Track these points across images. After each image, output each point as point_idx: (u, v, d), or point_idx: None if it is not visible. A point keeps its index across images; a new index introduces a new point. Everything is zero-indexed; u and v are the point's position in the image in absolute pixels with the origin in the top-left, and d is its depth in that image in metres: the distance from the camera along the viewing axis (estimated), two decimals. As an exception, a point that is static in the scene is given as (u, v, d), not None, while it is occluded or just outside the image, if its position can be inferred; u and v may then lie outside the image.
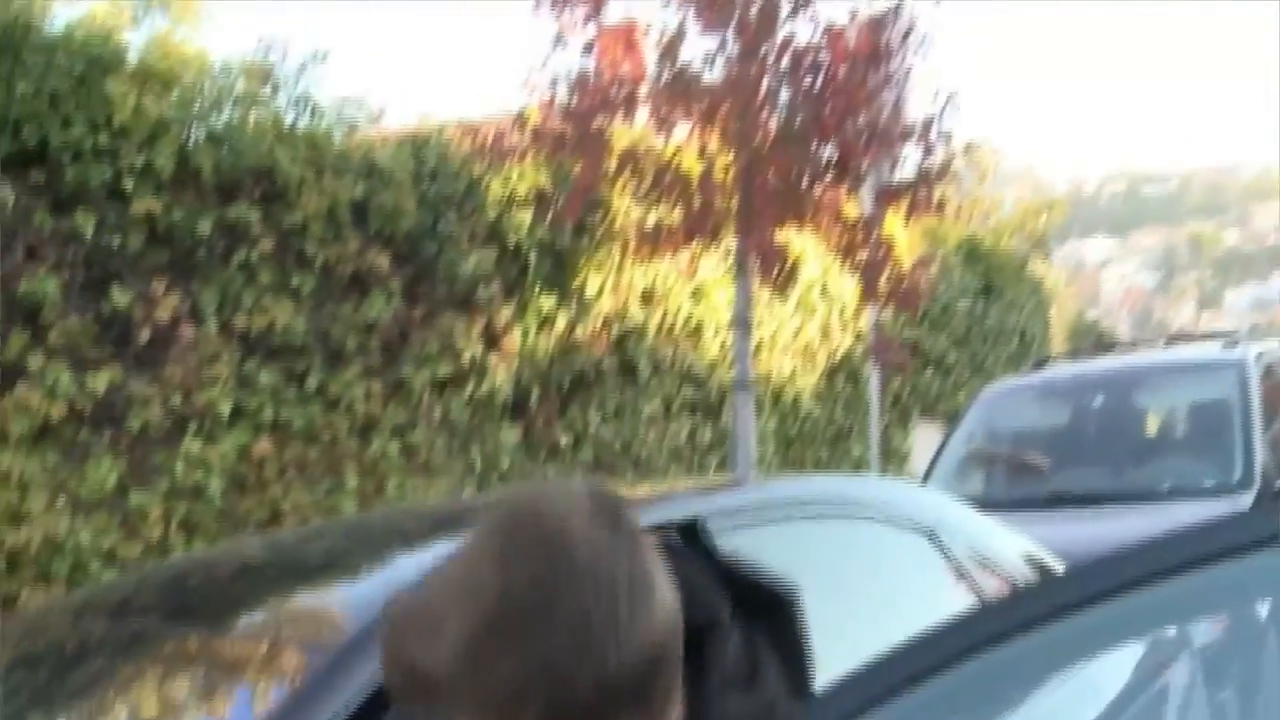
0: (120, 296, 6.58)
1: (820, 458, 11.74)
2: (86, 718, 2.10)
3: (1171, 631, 2.28)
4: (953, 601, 2.70)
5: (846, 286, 11.10)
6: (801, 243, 9.86)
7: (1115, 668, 2.32)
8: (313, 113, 7.46)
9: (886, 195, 7.87)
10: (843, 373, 12.11)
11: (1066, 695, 2.11)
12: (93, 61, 6.53)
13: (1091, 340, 17.60)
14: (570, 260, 9.02)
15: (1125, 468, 6.72)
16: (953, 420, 9.18)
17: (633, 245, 8.62)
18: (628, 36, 7.73)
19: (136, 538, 6.53)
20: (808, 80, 7.37)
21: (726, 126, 7.35)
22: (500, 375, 8.51)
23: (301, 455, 7.37)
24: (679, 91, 7.41)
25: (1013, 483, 6.99)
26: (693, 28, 7.54)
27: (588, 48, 7.75)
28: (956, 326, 14.07)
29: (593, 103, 7.49)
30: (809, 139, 7.25)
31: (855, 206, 8.34)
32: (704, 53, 7.60)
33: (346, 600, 2.26)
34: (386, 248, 7.79)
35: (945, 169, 7.73)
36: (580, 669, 1.00)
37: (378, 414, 7.79)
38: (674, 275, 9.80)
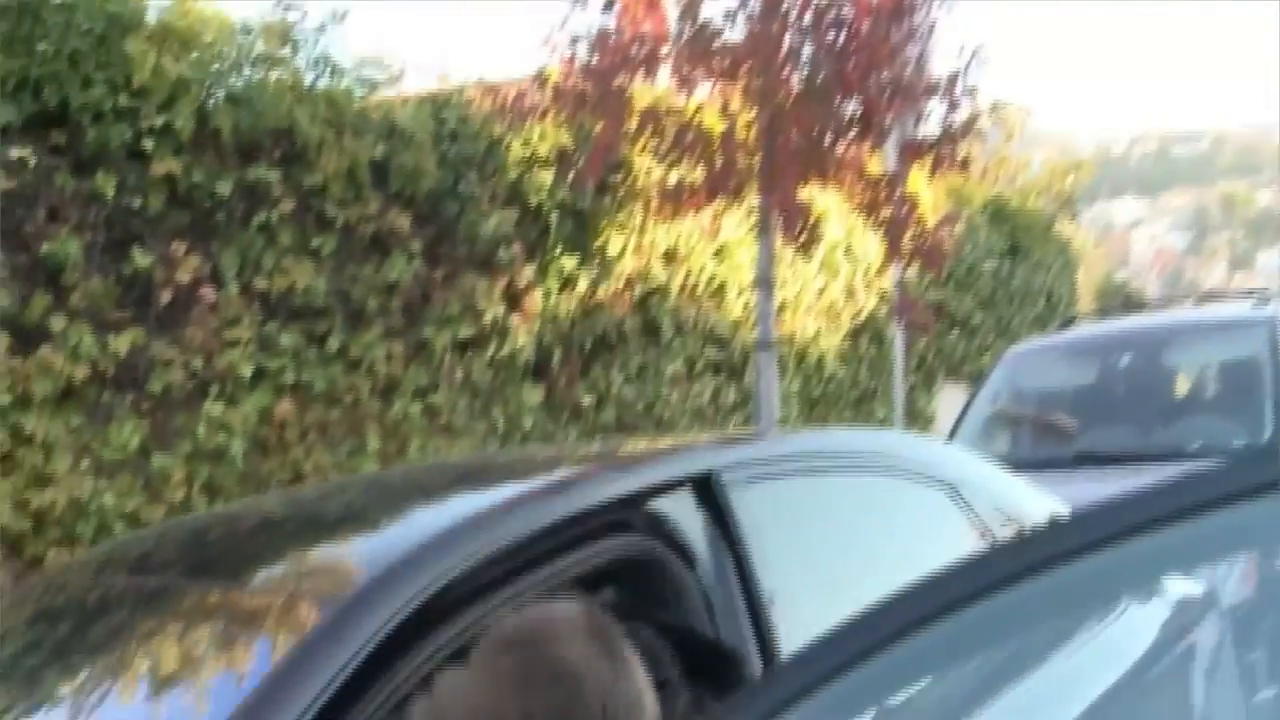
0: (141, 258, 6.58)
1: (844, 420, 11.69)
2: (102, 671, 2.09)
3: (1198, 591, 2.24)
4: (973, 556, 2.66)
5: (871, 246, 11.01)
6: (825, 202, 9.78)
7: (1139, 627, 2.28)
8: (332, 73, 7.41)
9: (910, 151, 7.77)
10: (867, 334, 12.03)
11: (1089, 655, 2.07)
12: (112, 21, 6.50)
13: (1120, 300, 17.45)
14: (592, 220, 8.96)
15: (1153, 427, 6.65)
16: (978, 381, 9.12)
17: (655, 205, 8.56)
18: (648, -6, 7.64)
19: (159, 500, 6.56)
20: (830, 35, 7.27)
21: (748, 84, 7.26)
22: (522, 336, 8.49)
23: (323, 417, 7.38)
24: (700, 49, 7.33)
25: (1039, 442, 6.93)
26: (714, -16, 7.45)
27: (608, 5, 7.66)
28: (982, 288, 13.96)
29: (613, 61, 7.42)
30: (832, 95, 7.16)
31: (879, 163, 8.25)
32: (725, 10, 7.52)
33: (363, 553, 2.25)
34: (407, 208, 7.76)
35: (970, 125, 7.62)
36: None
37: (399, 375, 7.78)
38: (697, 235, 9.74)
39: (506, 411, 8.51)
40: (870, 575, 2.49)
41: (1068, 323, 8.50)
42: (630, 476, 2.38)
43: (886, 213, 7.75)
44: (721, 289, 10.16)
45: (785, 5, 7.31)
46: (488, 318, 8.23)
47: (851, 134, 7.40)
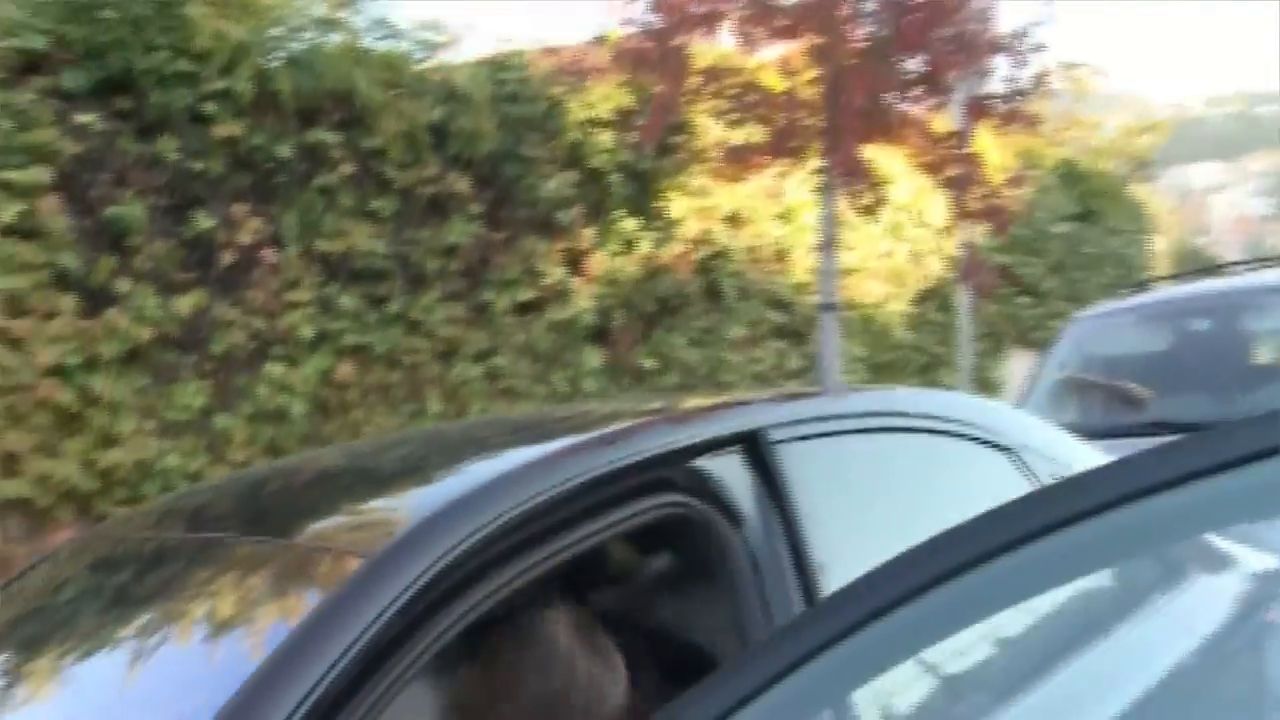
0: (203, 221, 6.63)
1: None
2: (131, 620, 2.09)
3: (1276, 564, 2.15)
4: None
5: (938, 210, 10.85)
6: (892, 165, 9.63)
7: (1212, 601, 2.19)
8: (391, 36, 7.40)
9: (975, 109, 7.61)
10: (934, 300, 11.87)
11: (1156, 628, 2.00)
12: (173, -14, 6.54)
13: (1196, 265, 17.07)
14: (654, 182, 8.90)
15: (1231, 394, 6.46)
16: (1046, 347, 8.95)
17: (717, 166, 8.47)
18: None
19: (222, 460, 6.62)
20: (893, -10, 7.13)
21: (810, 41, 7.15)
22: (583, 299, 8.46)
23: (383, 379, 7.41)
24: (761, 7, 7.22)
25: (1110, 410, 6.76)
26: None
27: (669, -37, 7.57)
28: (1052, 252, 13.70)
29: (673, 20, 7.33)
30: (894, 52, 7.02)
31: (944, 123, 8.09)
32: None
33: (396, 509, 2.23)
34: (467, 171, 7.75)
35: (1038, 82, 7.44)
36: None
37: (460, 338, 7.79)
38: (760, 197, 9.64)
39: (567, 375, 8.49)
40: (925, 535, 2.42)
41: (1140, 287, 8.30)
42: (672, 433, 2.32)
43: (951, 172, 7.61)
44: (785, 252, 10.06)
45: (848, -40, 7.18)
46: (548, 280, 8.21)
47: (915, 91, 7.26)
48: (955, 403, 3.59)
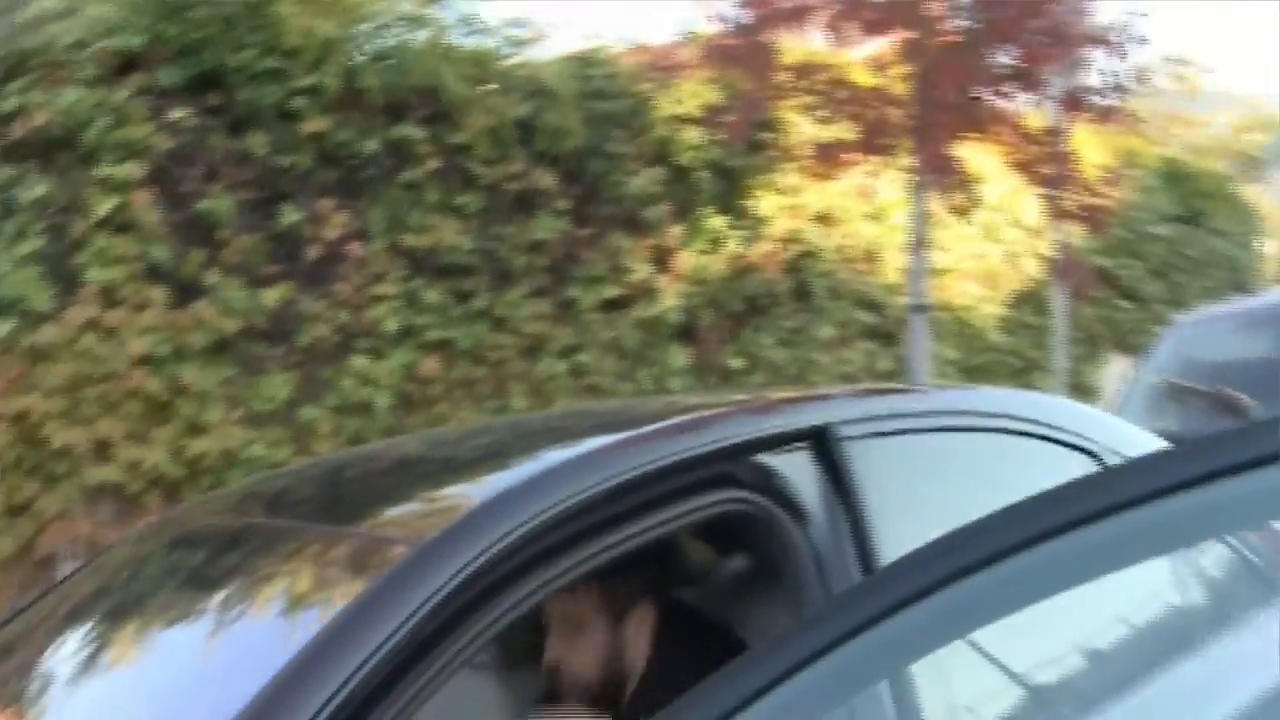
0: (291, 215, 6.71)
1: (1004, 391, 11.28)
2: (188, 606, 2.10)
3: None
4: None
5: (1033, 211, 10.62)
6: (986, 164, 9.44)
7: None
8: (478, 31, 7.42)
9: (1071, 104, 7.40)
10: (1030, 303, 11.60)
11: (1250, 647, 1.90)
12: (264, -16, 6.62)
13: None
14: (742, 180, 8.80)
15: (1343, 403, 6.22)
16: (1145, 352, 8.69)
17: (806, 163, 8.36)
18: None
19: (306, 451, 6.68)
20: (985, -18, 6.97)
21: (901, 36, 7.02)
22: (670, 297, 8.40)
23: (468, 374, 7.42)
24: (850, 1, 7.10)
25: (1211, 418, 6.54)
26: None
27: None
28: (1154, 255, 13.32)
29: (761, 15, 7.24)
30: (986, 45, 6.86)
31: (1039, 119, 7.90)
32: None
33: (470, 495, 2.20)
34: (552, 167, 7.74)
35: (1138, 77, 7.22)
36: None
37: (545, 334, 7.78)
38: (851, 196, 9.50)
39: (653, 373, 8.43)
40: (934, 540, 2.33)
41: (1246, 290, 8.03)
42: (736, 427, 2.26)
43: (1046, 170, 7.41)
44: (877, 252, 9.90)
45: (939, -48, 7.04)
46: (635, 277, 8.16)
47: (1007, 86, 7.09)
48: (1042, 405, 3.47)
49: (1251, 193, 16.23)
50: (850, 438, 2.25)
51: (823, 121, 7.87)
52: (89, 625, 2.28)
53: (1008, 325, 11.43)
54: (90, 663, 2.13)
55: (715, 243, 8.74)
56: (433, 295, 7.24)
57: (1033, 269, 11.36)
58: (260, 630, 1.88)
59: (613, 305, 8.15)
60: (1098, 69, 7.39)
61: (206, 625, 2.02)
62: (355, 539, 2.09)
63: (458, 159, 7.33)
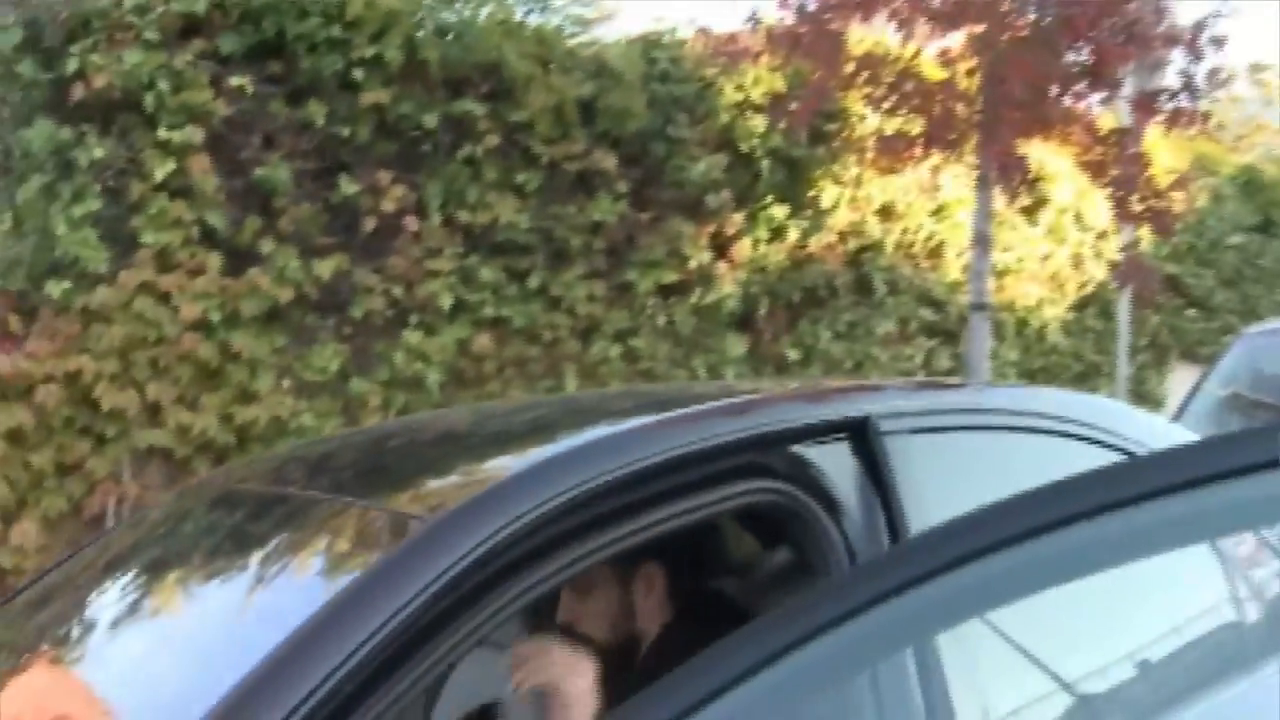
0: (348, 186, 6.70)
1: (1064, 396, 11.06)
2: (200, 573, 2.08)
3: None
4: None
5: (1102, 214, 10.41)
6: (1055, 165, 9.25)
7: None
8: (543, 9, 7.37)
9: (1144, 104, 7.20)
10: (1094, 307, 11.38)
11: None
12: (328, -47, 6.61)
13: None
14: (805, 170, 8.69)
15: None
16: (1212, 362, 8.48)
17: (870, 155, 8.23)
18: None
19: (356, 423, 6.69)
20: (1058, -24, 6.79)
21: (970, 29, 6.87)
22: (728, 285, 8.32)
23: (521, 353, 7.39)
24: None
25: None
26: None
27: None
28: (1226, 264, 13.03)
29: (830, 3, 7.11)
30: (1059, 41, 6.68)
31: (1111, 120, 7.71)
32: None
33: (498, 470, 2.15)
34: (614, 149, 7.67)
35: (1215, 79, 7.01)
36: None
37: (600, 316, 7.73)
38: (915, 191, 9.36)
39: (708, 361, 8.36)
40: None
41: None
42: (773, 415, 2.19)
43: (1115, 172, 7.23)
44: (940, 249, 9.76)
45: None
46: (693, 264, 8.09)
47: (1078, 85, 6.91)
48: (1099, 408, 3.37)
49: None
50: (893, 432, 2.18)
51: (888, 113, 7.73)
52: (112, 582, 2.32)
53: (1070, 328, 11.24)
54: (110, 615, 2.16)
55: (776, 232, 8.65)
56: (488, 272, 7.21)
57: (1099, 272, 11.15)
58: (264, 600, 1.85)
59: (669, 291, 8.08)
60: (1174, 70, 7.19)
61: (217, 589, 2.00)
62: (380, 512, 2.05)
63: (518, 136, 7.29)
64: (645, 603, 2.45)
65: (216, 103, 6.37)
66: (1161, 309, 11.42)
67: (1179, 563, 2.47)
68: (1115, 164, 7.27)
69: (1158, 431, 2.93)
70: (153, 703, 1.74)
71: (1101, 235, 10.90)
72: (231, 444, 6.43)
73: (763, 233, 8.57)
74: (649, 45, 8.03)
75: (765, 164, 8.46)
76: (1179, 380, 12.35)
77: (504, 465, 2.09)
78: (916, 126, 7.54)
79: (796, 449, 2.10)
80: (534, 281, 7.42)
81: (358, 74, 6.67)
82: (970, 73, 7.14)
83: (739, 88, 8.25)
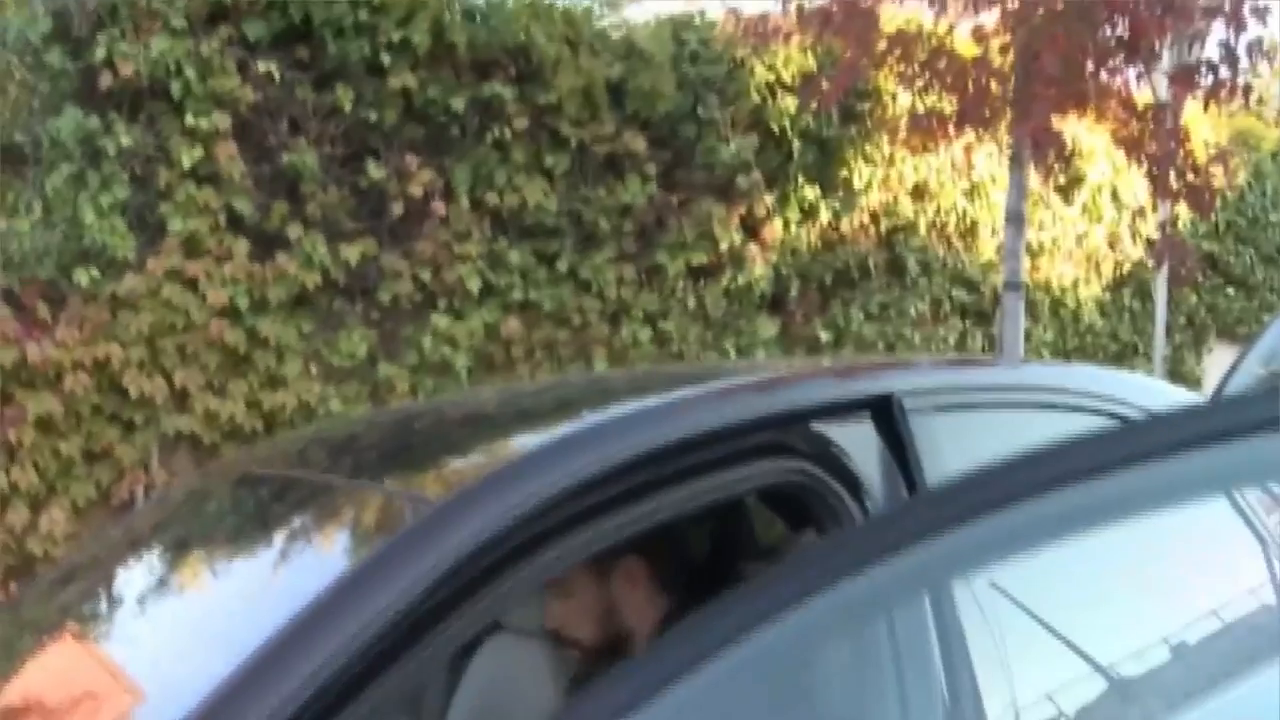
0: (375, 170, 6.69)
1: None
2: (211, 557, 2.06)
3: None
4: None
5: (1139, 192, 10.26)
6: (1091, 141, 9.12)
7: None
8: (572, -10, 7.32)
9: (1182, 78, 7.06)
10: (1131, 286, 11.24)
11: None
12: (354, -63, 6.58)
13: None
14: (837, 150, 8.60)
15: None
16: (1248, 341, 8.34)
17: (903, 135, 8.13)
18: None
19: (384, 408, 6.68)
20: (1095, -53, 6.65)
21: (1004, 4, 6.75)
22: (759, 266, 8.25)
23: (550, 337, 7.37)
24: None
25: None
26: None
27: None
28: (1268, 242, 12.84)
29: (860, -21, 7.02)
30: (1094, 14, 6.55)
31: (1147, 94, 7.56)
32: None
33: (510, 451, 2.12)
34: (643, 130, 7.62)
35: (1257, 51, 6.86)
36: None
37: (630, 299, 7.69)
38: (948, 171, 9.25)
39: (739, 343, 8.31)
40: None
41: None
42: (794, 393, 2.14)
43: (1152, 148, 7.10)
44: (973, 229, 9.65)
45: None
46: (724, 246, 8.03)
47: (1114, 59, 6.78)
48: (1132, 384, 3.30)
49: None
50: (917, 409, 2.13)
51: (921, 92, 7.63)
52: (131, 562, 2.32)
53: (1106, 308, 11.10)
54: (128, 595, 2.19)
55: (807, 213, 8.57)
56: (516, 256, 7.18)
57: (1135, 251, 11.00)
58: (272, 581, 1.82)
59: (700, 273, 8.03)
60: (1213, 42, 7.04)
61: (229, 570, 1.98)
62: (391, 495, 2.02)
63: (546, 119, 7.24)
64: (630, 597, 2.40)
65: (243, 89, 6.36)
66: (1199, 288, 11.25)
67: (1218, 545, 2.42)
68: (1152, 140, 7.14)
69: (1193, 408, 2.86)
70: (164, 678, 1.71)
71: (1138, 213, 10.75)
72: (259, 430, 6.44)
73: (794, 214, 8.49)
74: (679, 26, 7.96)
75: (796, 144, 8.38)
76: (1217, 360, 12.20)
77: (523, 444, 2.05)
78: (949, 105, 7.43)
79: (818, 426, 2.06)
80: (563, 265, 7.39)
81: (385, 58, 6.64)
82: (1004, 49, 7.03)
83: (770, 68, 8.17)
